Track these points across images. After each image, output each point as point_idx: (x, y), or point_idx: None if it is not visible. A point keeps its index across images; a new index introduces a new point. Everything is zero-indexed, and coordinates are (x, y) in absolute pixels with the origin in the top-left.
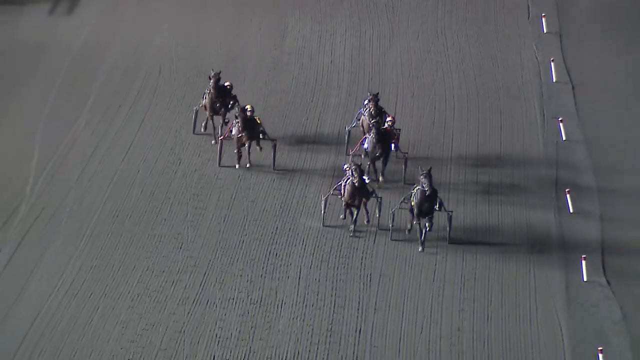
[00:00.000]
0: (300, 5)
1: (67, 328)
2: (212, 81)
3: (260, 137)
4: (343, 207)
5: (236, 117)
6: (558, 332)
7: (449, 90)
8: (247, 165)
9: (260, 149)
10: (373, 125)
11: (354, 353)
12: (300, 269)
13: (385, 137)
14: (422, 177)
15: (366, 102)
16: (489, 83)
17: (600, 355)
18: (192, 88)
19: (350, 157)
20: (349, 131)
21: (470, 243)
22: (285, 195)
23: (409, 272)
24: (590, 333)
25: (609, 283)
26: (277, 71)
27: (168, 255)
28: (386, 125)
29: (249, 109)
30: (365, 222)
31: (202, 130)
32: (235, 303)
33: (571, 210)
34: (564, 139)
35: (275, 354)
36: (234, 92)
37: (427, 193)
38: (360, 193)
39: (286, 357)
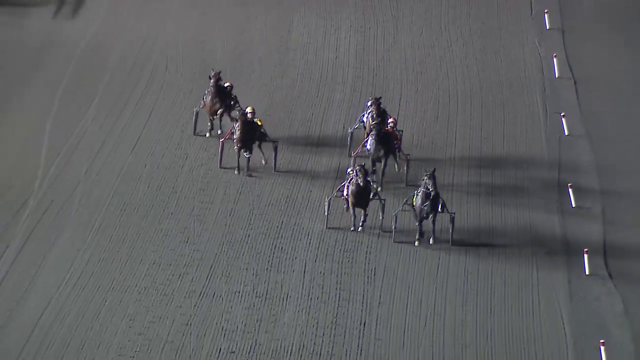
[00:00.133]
0: (305, 2)
1: (75, 321)
2: (212, 81)
3: (259, 142)
4: (345, 208)
5: (236, 120)
6: (560, 325)
7: (452, 85)
8: (248, 174)
9: (265, 162)
10: (374, 126)
11: (358, 346)
12: (306, 263)
13: (387, 139)
14: (426, 177)
15: (369, 103)
16: (492, 78)
17: (602, 348)
18: (198, 83)
19: (353, 158)
20: (352, 133)
21: (473, 237)
22: (291, 190)
23: (413, 266)
24: (592, 326)
25: (611, 276)
26: (282, 67)
27: (175, 248)
28: (388, 126)
29: (249, 111)
30: (360, 223)
31: (207, 135)
32: (241, 296)
33: (573, 205)
34: (566, 133)
35: (280, 347)
36: (234, 92)
37: (432, 195)
38: (366, 193)
39: (291, 349)
